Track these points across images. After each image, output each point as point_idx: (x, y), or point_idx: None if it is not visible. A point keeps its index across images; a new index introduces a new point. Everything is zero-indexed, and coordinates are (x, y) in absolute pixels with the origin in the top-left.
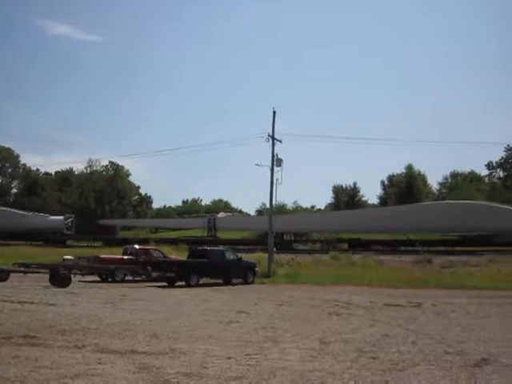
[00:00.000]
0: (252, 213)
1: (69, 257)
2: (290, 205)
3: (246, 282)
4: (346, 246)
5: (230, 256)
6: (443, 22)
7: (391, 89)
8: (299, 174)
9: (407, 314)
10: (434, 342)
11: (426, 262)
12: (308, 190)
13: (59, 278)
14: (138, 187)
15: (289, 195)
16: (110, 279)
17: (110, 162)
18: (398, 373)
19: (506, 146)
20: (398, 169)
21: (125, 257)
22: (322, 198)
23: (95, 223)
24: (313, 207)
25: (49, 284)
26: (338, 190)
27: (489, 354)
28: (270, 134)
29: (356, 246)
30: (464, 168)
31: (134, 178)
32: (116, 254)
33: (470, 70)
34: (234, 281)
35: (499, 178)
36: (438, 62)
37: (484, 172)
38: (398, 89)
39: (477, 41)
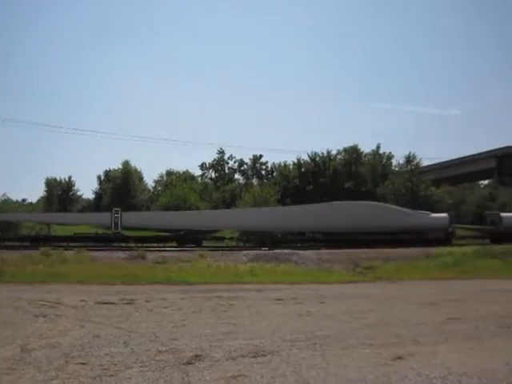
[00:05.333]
0: None
1: None
2: None
3: None
4: None
5: None
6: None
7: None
8: (9, 164)
9: (120, 312)
10: (146, 341)
11: (140, 258)
12: (19, 181)
13: None
14: None
15: None
16: None
17: None
18: (109, 378)
19: (219, 148)
20: (117, 164)
21: None
22: (34, 191)
23: None
24: (24, 200)
25: None
26: (51, 183)
27: (201, 350)
28: None
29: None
30: (181, 167)
31: None
32: None
33: (207, 75)
34: None
35: (211, 179)
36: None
37: (198, 172)
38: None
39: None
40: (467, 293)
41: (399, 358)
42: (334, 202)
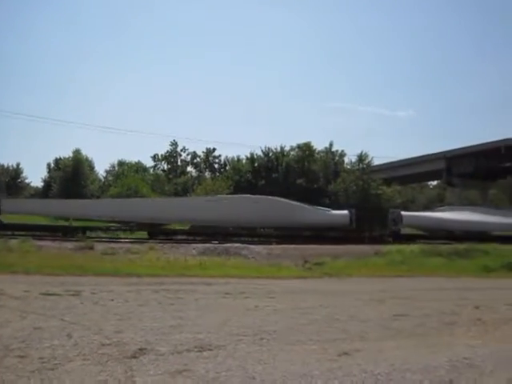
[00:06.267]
0: None
1: None
2: None
3: None
4: None
5: None
6: None
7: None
8: None
9: (64, 304)
10: (90, 334)
11: (88, 249)
12: None
13: None
14: None
15: None
16: None
17: None
18: (48, 372)
19: (172, 140)
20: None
21: None
22: None
23: None
24: None
25: None
26: None
27: (146, 343)
28: None
29: None
30: (133, 158)
31: None
32: None
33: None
34: None
35: (163, 170)
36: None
37: (150, 163)
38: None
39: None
40: (413, 290)
41: (345, 353)
42: (221, 196)
